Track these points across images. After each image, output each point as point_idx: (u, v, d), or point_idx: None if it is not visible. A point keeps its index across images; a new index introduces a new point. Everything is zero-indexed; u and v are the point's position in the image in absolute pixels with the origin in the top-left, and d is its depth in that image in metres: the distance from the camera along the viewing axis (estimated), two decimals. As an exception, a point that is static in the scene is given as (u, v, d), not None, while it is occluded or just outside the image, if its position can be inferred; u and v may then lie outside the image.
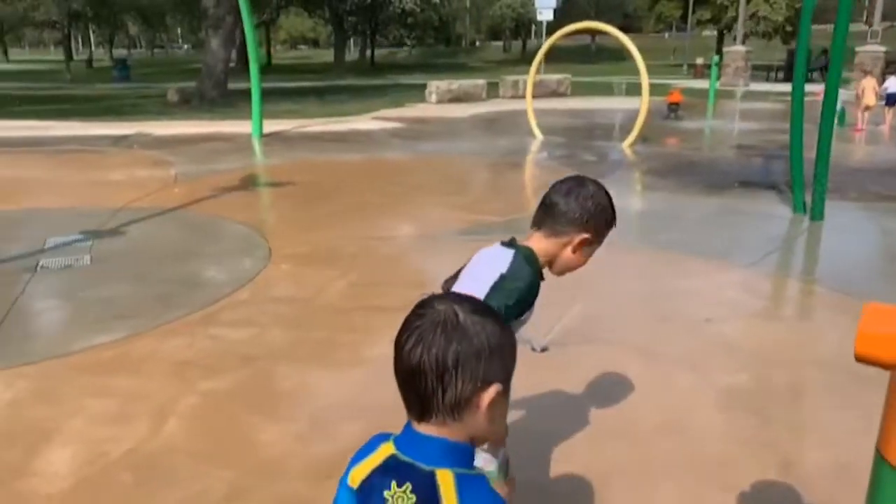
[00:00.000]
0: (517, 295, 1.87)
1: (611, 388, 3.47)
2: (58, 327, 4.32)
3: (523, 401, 3.13)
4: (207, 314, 4.52)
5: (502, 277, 1.87)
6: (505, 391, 1.12)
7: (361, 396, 3.43)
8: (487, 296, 1.83)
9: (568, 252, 1.95)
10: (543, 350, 3.59)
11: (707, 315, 4.43)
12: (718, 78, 21.20)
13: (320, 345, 4.05)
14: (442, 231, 6.41)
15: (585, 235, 1.90)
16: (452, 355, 1.07)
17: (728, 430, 3.13)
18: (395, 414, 3.20)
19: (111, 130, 12.99)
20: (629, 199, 7.92)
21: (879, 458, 1.14)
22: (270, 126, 13.08)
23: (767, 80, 29.55)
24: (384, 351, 3.94)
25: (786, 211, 7.10)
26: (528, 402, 3.19)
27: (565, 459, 2.88)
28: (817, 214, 6.61)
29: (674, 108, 15.74)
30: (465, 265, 2.06)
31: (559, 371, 3.59)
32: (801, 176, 6.90)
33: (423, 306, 1.14)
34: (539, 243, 1.96)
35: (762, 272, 5.30)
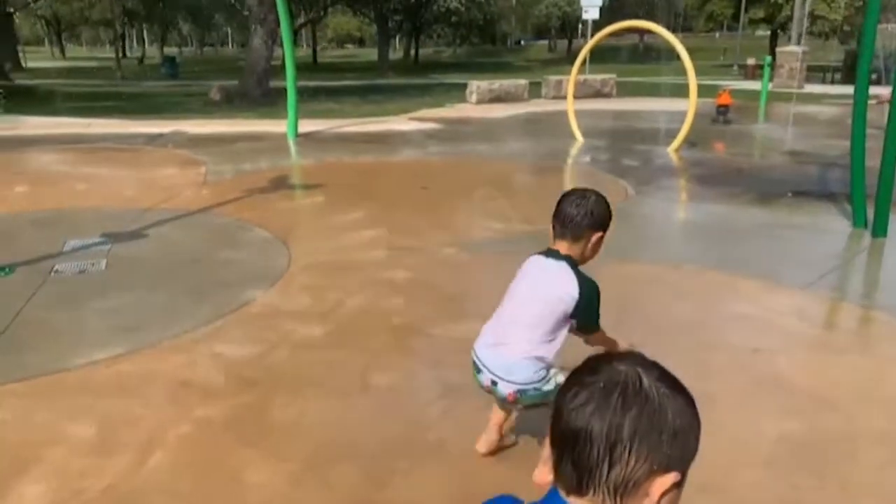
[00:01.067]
0: (599, 300, 2.49)
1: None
2: (58, 340, 4.11)
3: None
4: (215, 329, 4.28)
5: (583, 294, 2.43)
6: (681, 483, 0.95)
7: (362, 432, 3.12)
8: (587, 315, 2.48)
9: (589, 250, 2.51)
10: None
11: (756, 345, 4.00)
12: (771, 79, 20.39)
13: (328, 368, 3.76)
14: (469, 241, 6.07)
15: (600, 233, 2.51)
16: (630, 426, 0.91)
17: (777, 492, 2.73)
18: (393, 457, 2.90)
19: (149, 128, 12.99)
20: (672, 210, 7.47)
21: None
22: (308, 126, 12.91)
23: (823, 81, 28.32)
24: (395, 379, 3.65)
25: (844, 226, 6.55)
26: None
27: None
28: (880, 230, 6.06)
29: (723, 110, 15.06)
30: (516, 283, 2.63)
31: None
32: (862, 187, 6.35)
33: (599, 362, 0.99)
34: (570, 250, 2.51)
35: (817, 295, 4.82)
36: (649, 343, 3.93)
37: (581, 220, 2.46)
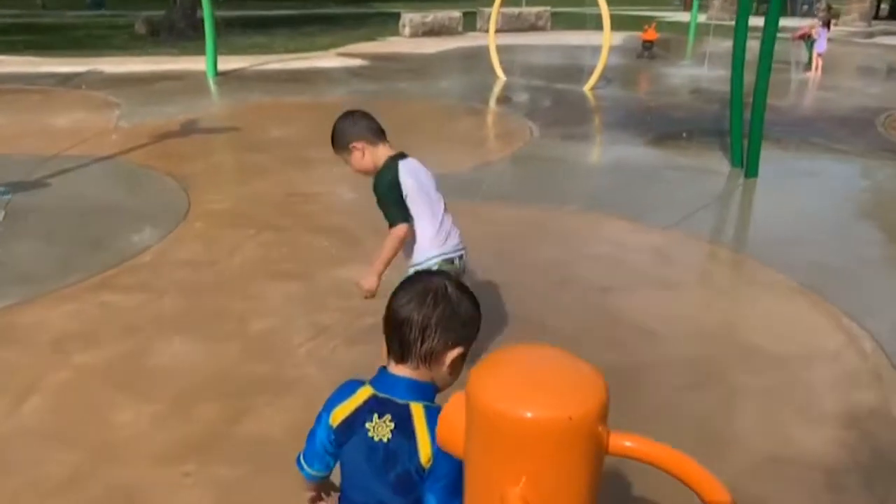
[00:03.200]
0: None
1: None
2: (-52, 293, 4.27)
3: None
4: (105, 278, 4.49)
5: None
6: (464, 355, 1.47)
7: (230, 374, 3.44)
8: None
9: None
10: None
11: (606, 284, 4.42)
12: (704, 11, 20.64)
13: (209, 315, 4.03)
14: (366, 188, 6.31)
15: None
16: (436, 316, 1.42)
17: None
18: (254, 394, 3.20)
19: (64, 67, 12.62)
20: (569, 152, 7.78)
21: None
22: (231, 63, 12.74)
23: (756, 13, 28.70)
24: (271, 323, 3.94)
25: (725, 166, 7.01)
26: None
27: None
28: (752, 171, 6.53)
29: (648, 45, 15.34)
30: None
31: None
32: (739, 126, 6.76)
33: (421, 275, 1.59)
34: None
35: (675, 235, 5.26)
36: (514, 282, 4.36)
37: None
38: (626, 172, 6.96)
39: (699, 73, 13.84)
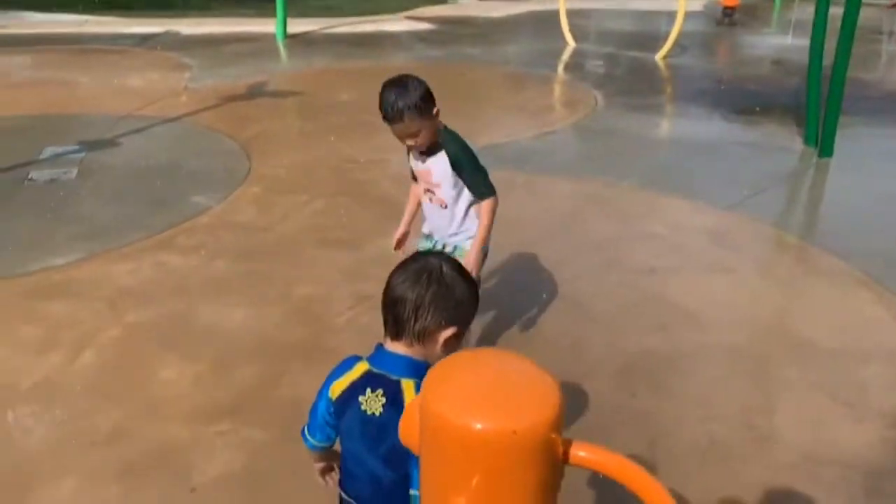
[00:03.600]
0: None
1: (512, 339, 3.47)
2: (20, 246, 4.52)
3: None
4: (163, 238, 4.66)
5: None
6: (458, 335, 1.51)
7: (270, 338, 3.54)
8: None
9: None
10: None
11: (655, 265, 4.30)
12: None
13: (257, 280, 4.14)
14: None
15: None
16: (430, 296, 1.47)
17: (615, 400, 3.11)
18: (291, 359, 3.30)
19: (144, 28, 12.98)
20: (633, 124, 7.52)
21: None
22: (300, 26, 12.82)
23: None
24: (315, 290, 4.04)
25: (798, 144, 6.67)
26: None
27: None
28: (826, 150, 6.18)
29: (728, 12, 14.59)
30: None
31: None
32: (816, 102, 6.39)
33: (418, 255, 1.63)
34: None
35: (736, 216, 5.05)
36: (557, 257, 4.30)
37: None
38: (690, 147, 6.71)
39: (783, 42, 13.11)
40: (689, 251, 4.53)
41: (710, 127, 7.38)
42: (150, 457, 2.74)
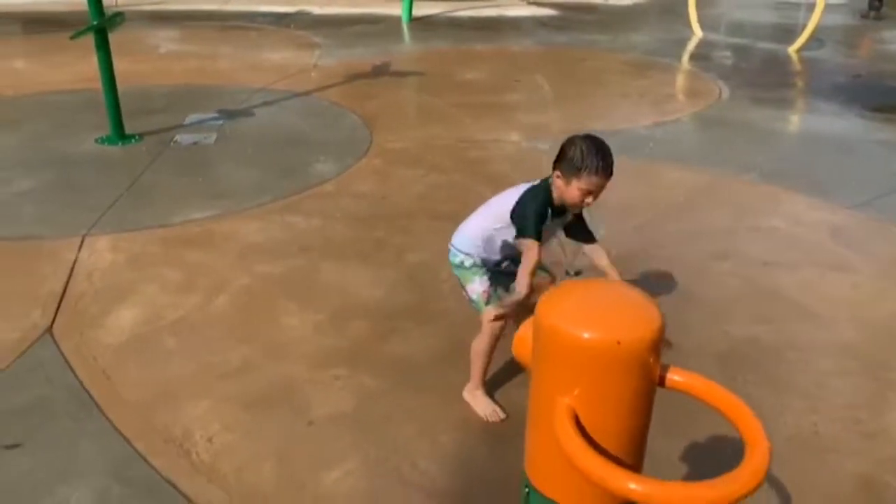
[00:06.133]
0: (533, 210, 2.68)
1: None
2: (166, 201, 4.99)
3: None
4: (290, 202, 5.01)
5: (521, 198, 2.72)
6: None
7: (384, 297, 3.78)
8: (518, 218, 2.73)
9: (556, 189, 2.66)
10: (577, 273, 3.71)
11: (770, 259, 4.22)
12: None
13: (371, 243, 4.40)
14: (535, 140, 6.39)
15: (556, 173, 2.61)
16: None
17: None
18: (402, 319, 3.54)
19: (279, 7, 13.69)
20: (759, 116, 7.27)
21: (526, 482, 1.22)
22: (425, 9, 13.14)
23: None
24: (424, 257, 4.29)
25: (942, 145, 6.25)
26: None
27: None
28: (971, 153, 5.76)
29: (876, 4, 13.62)
30: None
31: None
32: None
33: None
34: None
35: (864, 216, 4.83)
36: (667, 245, 4.30)
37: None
38: (817, 143, 6.43)
39: (935, 38, 12.16)
40: (806, 247, 4.40)
41: (841, 123, 7.02)
42: (273, 390, 3.03)
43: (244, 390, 3.03)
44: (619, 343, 0.93)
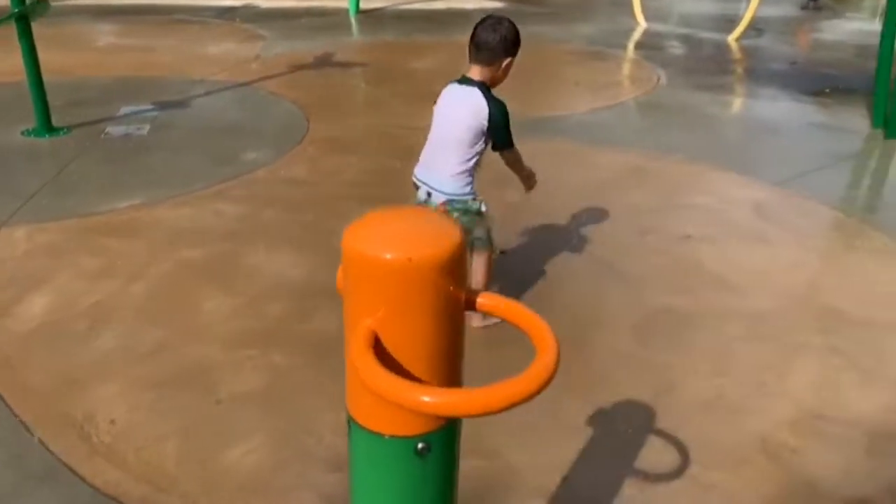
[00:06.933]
0: (507, 120, 2.93)
1: (543, 297, 3.56)
2: (91, 191, 4.89)
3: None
4: (221, 189, 4.94)
5: (492, 114, 2.87)
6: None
7: (308, 280, 3.75)
8: (498, 134, 2.92)
9: (500, 73, 2.90)
10: (502, 253, 3.72)
11: (691, 233, 4.30)
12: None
13: (300, 227, 4.37)
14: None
15: (511, 58, 2.88)
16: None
17: (626, 350, 3.17)
18: (323, 298, 3.50)
19: (225, 1, 13.50)
20: (692, 102, 7.39)
21: (349, 418, 1.21)
22: (373, 2, 13.08)
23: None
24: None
25: (864, 126, 6.43)
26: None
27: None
28: (892, 132, 5.95)
29: (815, -5, 13.99)
30: (438, 109, 3.06)
31: (500, 278, 3.63)
32: (886, 82, 6.14)
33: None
34: (482, 74, 2.90)
35: (786, 192, 4.95)
36: (592, 222, 4.36)
37: (496, 46, 2.81)
38: (750, 125, 6.58)
39: (868, 27, 12.48)
40: (729, 222, 4.49)
41: (775, 107, 7.20)
42: (184, 371, 2.99)
43: (154, 373, 2.98)
44: (410, 260, 0.93)
